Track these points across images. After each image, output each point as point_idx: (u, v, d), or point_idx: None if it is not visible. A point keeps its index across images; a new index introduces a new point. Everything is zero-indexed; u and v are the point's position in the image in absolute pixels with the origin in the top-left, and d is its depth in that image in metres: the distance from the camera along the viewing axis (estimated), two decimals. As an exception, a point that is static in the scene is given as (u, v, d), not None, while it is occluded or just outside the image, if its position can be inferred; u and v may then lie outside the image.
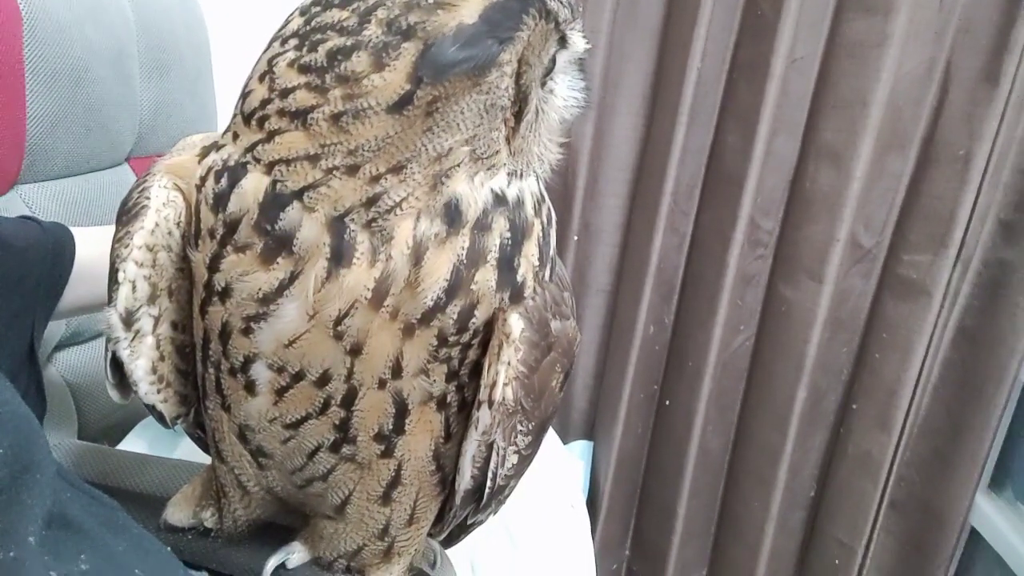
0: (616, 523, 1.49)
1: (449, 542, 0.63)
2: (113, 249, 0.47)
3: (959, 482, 1.26)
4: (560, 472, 1.17)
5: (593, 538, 1.41)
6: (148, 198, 0.46)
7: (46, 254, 0.59)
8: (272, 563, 0.53)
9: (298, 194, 0.39)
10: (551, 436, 1.18)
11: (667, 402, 1.42)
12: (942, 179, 1.17)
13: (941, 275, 1.19)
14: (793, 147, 1.22)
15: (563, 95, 0.45)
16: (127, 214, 0.46)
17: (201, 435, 0.56)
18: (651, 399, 1.43)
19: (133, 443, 0.90)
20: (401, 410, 0.44)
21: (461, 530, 0.60)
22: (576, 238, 1.34)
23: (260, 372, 0.43)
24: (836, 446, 1.35)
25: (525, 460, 0.49)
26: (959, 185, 1.15)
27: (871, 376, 1.28)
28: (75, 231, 0.63)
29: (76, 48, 0.80)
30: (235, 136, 0.41)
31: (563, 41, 0.43)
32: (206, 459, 0.57)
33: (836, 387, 1.32)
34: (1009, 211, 1.19)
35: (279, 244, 0.39)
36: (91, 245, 0.62)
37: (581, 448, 1.48)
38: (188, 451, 0.77)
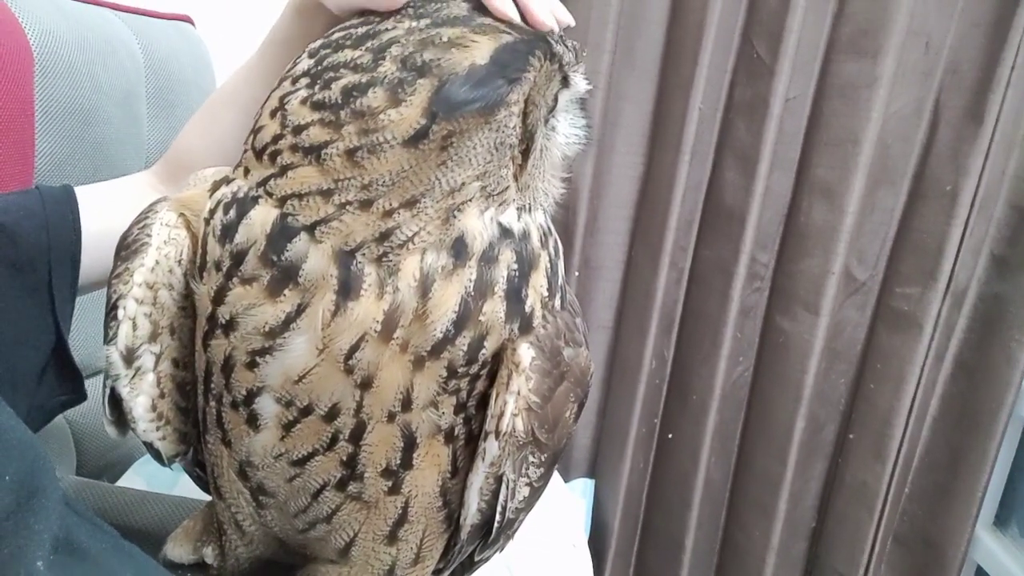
0: (621, 560, 1.47)
1: (453, 580, 0.62)
2: (111, 285, 0.47)
3: (959, 516, 1.26)
4: (562, 511, 1.16)
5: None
6: (149, 235, 0.46)
7: (49, 232, 0.56)
8: (273, 603, 0.52)
9: (310, 228, 0.39)
10: (553, 475, 1.17)
11: (670, 435, 1.41)
12: (930, 214, 1.19)
13: (931, 307, 1.21)
14: (788, 183, 1.25)
15: (565, 133, 0.47)
16: (126, 249, 0.46)
17: (200, 473, 0.55)
18: (651, 433, 1.42)
19: (132, 480, 0.90)
20: (409, 444, 0.44)
21: (465, 568, 0.59)
22: (577, 274, 1.35)
23: (266, 406, 0.43)
24: (835, 476, 1.35)
25: (536, 492, 0.48)
26: (946, 219, 1.18)
27: (867, 406, 1.29)
28: (80, 195, 0.59)
29: (86, 88, 0.81)
30: (246, 171, 0.42)
31: (566, 81, 0.44)
32: (206, 496, 0.56)
33: (834, 417, 1.33)
34: (1002, 246, 1.21)
35: (285, 276, 0.39)
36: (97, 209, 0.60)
37: (583, 486, 1.46)
38: (187, 488, 0.76)
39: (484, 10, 0.41)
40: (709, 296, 1.31)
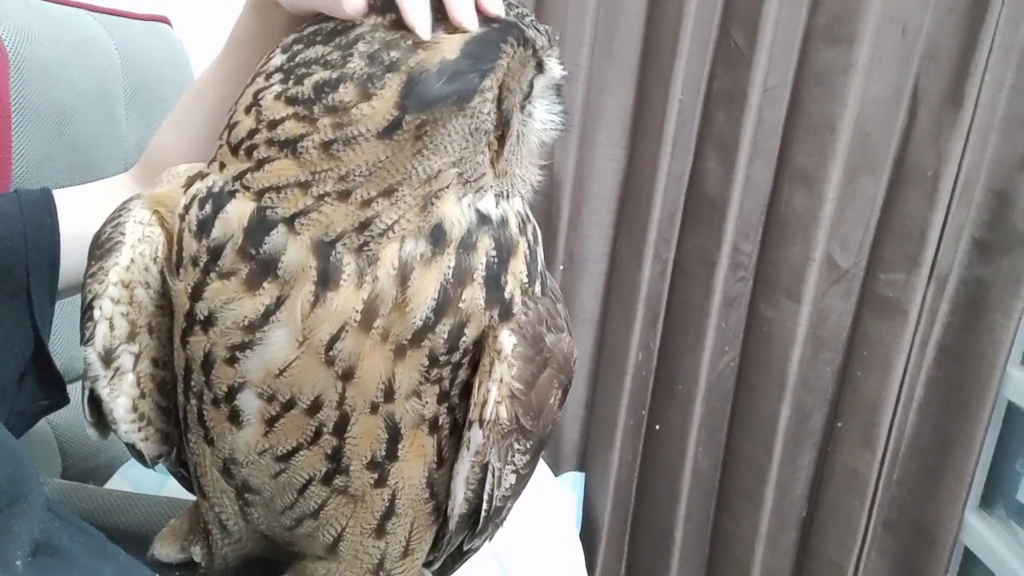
0: (612, 552, 1.48)
1: (443, 572, 0.61)
2: (86, 285, 0.46)
3: (948, 500, 1.27)
4: (552, 504, 1.16)
5: (590, 568, 1.39)
6: (123, 233, 0.45)
7: (26, 237, 0.56)
8: (262, 600, 0.52)
9: (288, 220, 0.39)
10: (543, 468, 1.17)
11: (657, 426, 1.42)
12: (912, 199, 1.20)
13: (916, 293, 1.22)
14: (769, 172, 1.25)
15: (542, 119, 0.47)
16: (100, 248, 0.46)
17: (184, 473, 0.55)
18: (640, 425, 1.43)
19: (118, 484, 0.89)
20: (394, 435, 0.44)
21: (455, 560, 0.59)
22: (561, 268, 1.35)
23: (248, 402, 0.43)
24: (824, 465, 1.36)
25: (523, 479, 0.49)
26: (928, 204, 1.18)
27: (854, 394, 1.30)
28: (58, 197, 0.59)
29: (62, 89, 0.81)
30: (221, 166, 0.42)
31: (540, 67, 0.45)
32: (193, 496, 0.56)
33: (822, 406, 1.34)
34: (983, 230, 1.22)
35: (264, 269, 0.39)
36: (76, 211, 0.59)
37: (573, 479, 1.47)
38: (174, 491, 0.76)
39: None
40: (693, 287, 1.31)
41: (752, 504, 1.35)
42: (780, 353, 1.28)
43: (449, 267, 0.40)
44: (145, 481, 0.89)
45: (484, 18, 0.40)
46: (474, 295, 0.41)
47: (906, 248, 1.22)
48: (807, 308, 1.25)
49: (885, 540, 1.35)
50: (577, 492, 1.45)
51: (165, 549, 0.56)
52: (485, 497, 0.47)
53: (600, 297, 1.39)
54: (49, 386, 0.59)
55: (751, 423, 1.35)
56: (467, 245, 0.41)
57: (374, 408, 0.42)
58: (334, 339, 0.40)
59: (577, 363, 1.39)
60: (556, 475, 1.45)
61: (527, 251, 0.44)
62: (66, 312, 0.59)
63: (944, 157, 1.17)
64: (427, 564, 0.58)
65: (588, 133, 1.27)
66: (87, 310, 0.46)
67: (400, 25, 0.39)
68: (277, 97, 0.40)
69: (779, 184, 1.25)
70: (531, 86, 0.45)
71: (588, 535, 1.43)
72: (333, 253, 0.39)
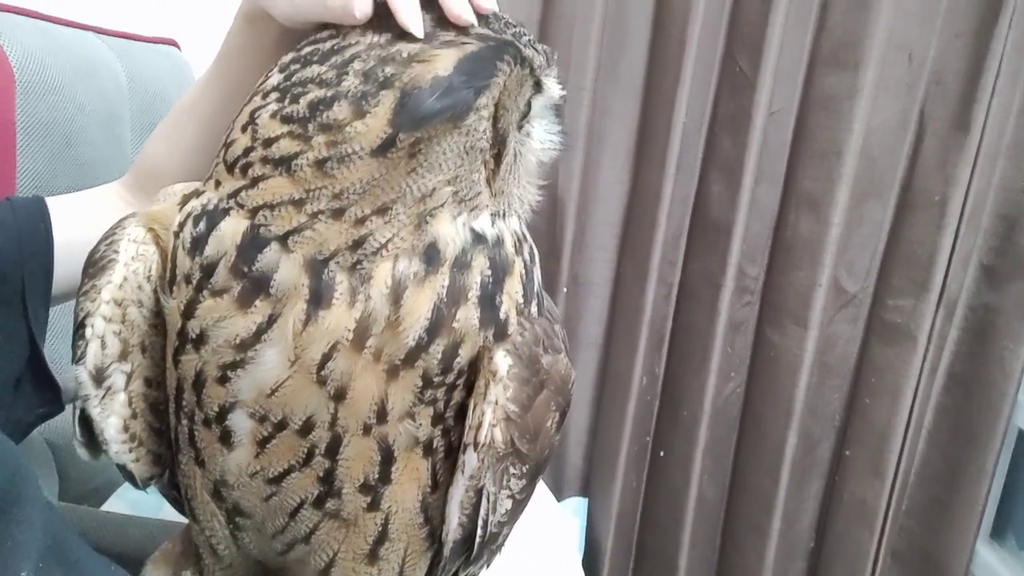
0: (615, 580, 1.45)
1: (439, 601, 0.60)
2: (78, 302, 0.46)
3: (959, 530, 1.25)
4: (555, 530, 1.15)
5: (592, 597, 1.37)
6: (116, 251, 0.45)
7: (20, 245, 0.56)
8: (253, 626, 0.51)
9: (282, 238, 0.39)
10: (545, 494, 1.15)
11: (661, 453, 1.40)
12: (920, 225, 1.20)
13: (924, 319, 1.21)
14: (775, 196, 1.25)
15: (540, 138, 0.46)
16: (94, 266, 0.46)
17: (177, 496, 0.53)
18: (644, 451, 1.41)
19: (116, 505, 0.88)
20: (387, 457, 0.43)
21: (452, 586, 0.58)
22: (565, 291, 1.35)
23: (239, 422, 0.42)
24: (832, 494, 1.34)
25: (520, 505, 0.47)
26: (936, 230, 1.18)
27: (862, 422, 1.28)
28: (51, 205, 0.59)
29: (68, 109, 0.81)
30: (217, 184, 0.42)
31: (538, 87, 0.44)
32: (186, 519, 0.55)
33: (829, 434, 1.32)
34: (991, 256, 1.21)
35: (256, 286, 0.39)
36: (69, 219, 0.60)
37: (576, 505, 1.45)
38: (172, 514, 0.75)
39: (447, 23, 0.41)
40: (698, 311, 1.31)
41: (758, 534, 1.33)
42: (787, 379, 1.27)
43: (443, 286, 0.39)
44: (143, 503, 0.89)
45: (480, 36, 0.40)
46: (468, 315, 0.40)
47: (914, 274, 1.21)
48: (814, 334, 1.24)
49: (894, 571, 1.33)
50: (580, 518, 1.43)
51: (157, 573, 0.55)
52: (480, 523, 0.45)
53: (604, 321, 1.38)
54: (45, 393, 0.58)
55: (757, 451, 1.33)
56: (461, 264, 0.40)
57: (367, 429, 0.41)
58: (326, 358, 0.39)
59: (580, 387, 1.38)
60: (559, 500, 1.43)
61: (523, 271, 0.43)
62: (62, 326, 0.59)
63: (951, 182, 1.16)
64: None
65: (592, 156, 1.27)
66: (79, 328, 0.45)
67: (397, 40, 0.39)
68: (273, 116, 0.40)
69: (785, 208, 1.25)
70: (529, 106, 0.44)
71: (591, 562, 1.41)
72: (326, 271, 0.39)
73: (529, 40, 0.43)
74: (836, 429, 1.32)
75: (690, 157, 1.25)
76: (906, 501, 1.31)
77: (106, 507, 0.88)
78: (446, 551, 0.48)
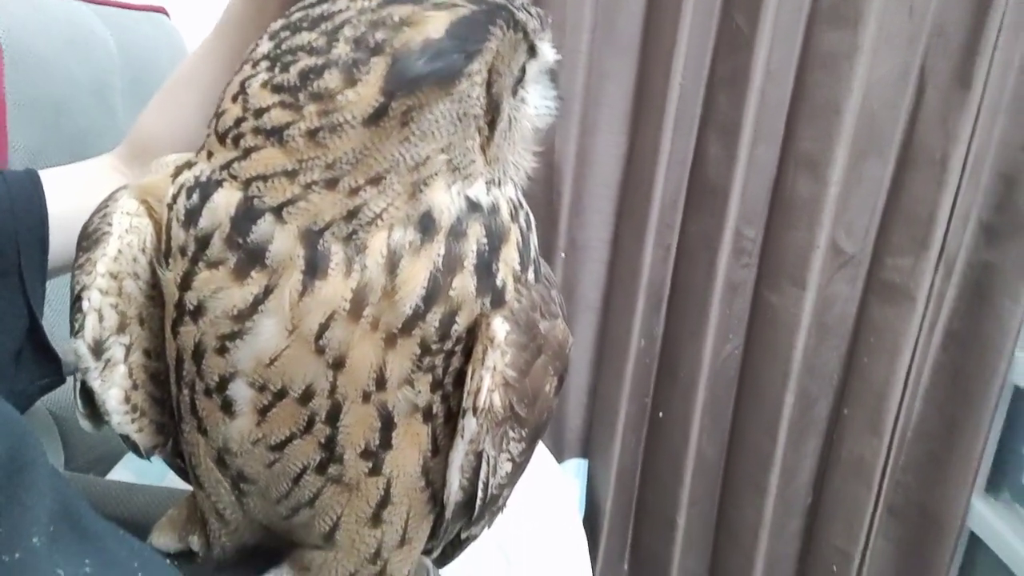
0: (615, 538, 1.48)
1: (443, 560, 0.62)
2: (74, 276, 0.46)
3: (955, 485, 1.27)
4: (555, 492, 1.16)
5: (593, 556, 1.40)
6: (110, 224, 0.45)
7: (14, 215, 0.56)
8: (260, 589, 0.52)
9: (276, 209, 0.39)
10: (545, 455, 1.17)
11: (660, 414, 1.42)
12: (920, 182, 1.19)
13: (924, 277, 1.21)
14: (773, 155, 1.24)
15: (535, 104, 0.46)
16: (88, 239, 0.46)
17: (181, 464, 0.54)
18: (643, 412, 1.43)
19: (121, 474, 0.90)
20: (387, 423, 0.43)
21: (455, 547, 0.59)
22: (563, 255, 1.35)
23: (240, 392, 0.42)
24: (830, 452, 1.36)
25: (519, 468, 0.48)
26: (937, 187, 1.17)
27: (860, 381, 1.29)
28: (44, 178, 0.59)
29: (58, 80, 0.81)
30: (209, 155, 0.42)
31: (533, 51, 0.44)
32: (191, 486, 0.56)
33: (827, 393, 1.33)
34: (990, 213, 1.21)
35: (252, 258, 0.39)
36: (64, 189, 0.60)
37: (576, 466, 1.47)
38: (177, 481, 0.76)
39: None
40: (696, 273, 1.31)
41: (757, 491, 1.35)
42: (785, 340, 1.28)
43: (439, 255, 0.39)
44: (147, 471, 0.90)
45: (474, 0, 0.40)
46: (465, 283, 0.40)
47: (914, 232, 1.21)
48: (812, 294, 1.24)
49: (891, 526, 1.35)
50: (580, 479, 1.45)
51: (163, 539, 0.56)
52: (480, 485, 0.46)
53: (602, 284, 1.39)
54: (45, 364, 0.59)
55: (755, 410, 1.35)
56: (457, 233, 0.40)
57: (366, 397, 0.42)
58: (323, 328, 0.39)
59: (579, 350, 1.39)
60: (559, 462, 1.45)
61: (519, 238, 0.43)
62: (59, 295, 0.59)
63: (952, 139, 1.16)
64: (426, 552, 0.58)
65: (589, 119, 1.26)
66: (76, 301, 0.46)
67: (388, 3, 0.39)
68: (263, 85, 0.39)
69: (783, 168, 1.24)
70: (523, 71, 0.44)
71: (591, 522, 1.43)
72: (321, 242, 0.39)
73: (523, 3, 0.42)
74: (834, 388, 1.33)
75: (687, 118, 1.24)
76: (903, 457, 1.32)
77: (111, 475, 0.90)
78: (448, 513, 0.49)
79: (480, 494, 0.47)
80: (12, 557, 0.34)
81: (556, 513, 1.12)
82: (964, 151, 1.16)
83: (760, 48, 1.16)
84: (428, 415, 0.45)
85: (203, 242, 0.40)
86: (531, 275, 0.44)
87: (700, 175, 1.27)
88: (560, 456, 1.47)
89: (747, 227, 1.27)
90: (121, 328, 0.47)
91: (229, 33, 0.56)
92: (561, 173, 1.27)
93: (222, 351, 0.41)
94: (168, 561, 0.55)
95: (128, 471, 0.90)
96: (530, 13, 0.42)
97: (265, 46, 0.41)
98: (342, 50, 0.38)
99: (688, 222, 1.31)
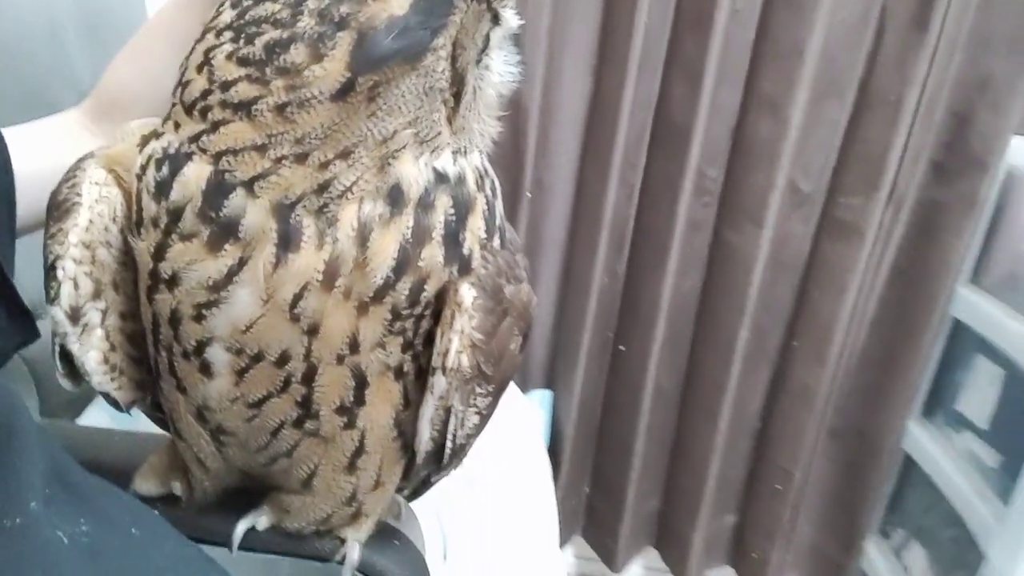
0: (577, 465, 1.55)
1: (414, 496, 0.65)
2: (46, 246, 0.46)
3: (892, 410, 1.35)
4: (521, 421, 1.21)
5: (555, 480, 1.46)
6: (79, 194, 0.45)
7: None
8: (242, 528, 0.54)
9: (247, 184, 0.39)
10: (512, 387, 1.20)
11: (622, 347, 1.47)
12: (875, 123, 1.21)
13: (873, 216, 1.25)
14: (735, 97, 1.25)
15: (499, 71, 0.46)
16: (58, 209, 0.46)
17: (161, 416, 0.56)
18: (606, 345, 1.47)
19: (95, 414, 0.91)
20: (360, 382, 0.45)
21: (425, 485, 0.62)
22: (529, 195, 1.36)
23: (217, 355, 0.43)
24: (779, 381, 1.42)
25: (485, 419, 0.51)
26: (890, 128, 1.20)
27: (810, 314, 1.35)
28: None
29: (6, 25, 0.77)
30: (176, 125, 0.42)
31: (496, 19, 0.44)
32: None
33: (779, 326, 1.39)
34: (941, 152, 1.24)
35: (225, 231, 0.40)
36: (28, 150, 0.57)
37: (541, 397, 1.52)
38: (149, 423, 0.78)
39: None
40: (658, 211, 1.33)
41: (710, 417, 1.42)
42: (742, 277, 1.32)
43: (408, 227, 0.41)
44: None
45: None
46: (433, 253, 0.42)
47: (866, 172, 1.24)
48: (769, 233, 1.28)
49: (832, 448, 1.44)
50: (545, 409, 1.50)
51: (146, 485, 0.58)
52: (449, 436, 0.49)
53: (567, 222, 1.40)
54: (19, 322, 0.59)
55: (712, 343, 1.40)
56: (425, 204, 0.41)
57: (340, 359, 0.43)
58: (298, 298, 0.41)
59: (544, 286, 1.40)
60: (524, 392, 1.49)
61: (485, 207, 0.44)
62: (30, 251, 0.58)
63: (908, 81, 1.17)
64: (398, 491, 0.61)
65: (555, 61, 1.25)
66: (50, 270, 0.46)
67: None
68: (228, 57, 0.39)
69: (745, 110, 1.26)
70: (487, 39, 0.44)
71: (555, 449, 1.49)
72: (293, 215, 0.39)
73: None
74: (785, 321, 1.39)
75: (652, 58, 1.23)
76: (846, 385, 1.40)
77: (86, 415, 0.91)
78: (419, 460, 0.52)
79: (449, 444, 0.50)
80: (13, 522, 0.35)
81: (522, 441, 1.16)
82: (919, 92, 1.18)
83: (725, -14, 1.15)
84: (399, 373, 0.47)
85: (175, 215, 0.40)
86: (496, 242, 0.46)
87: (664, 116, 1.28)
88: (525, 387, 1.51)
89: (709, 167, 1.29)
90: (96, 294, 0.48)
91: None
92: (527, 113, 1.26)
93: (198, 318, 0.42)
94: (153, 506, 0.57)
95: (103, 412, 0.91)
96: None
97: (228, 14, 0.41)
98: (307, 23, 0.38)
99: (651, 162, 1.32)
